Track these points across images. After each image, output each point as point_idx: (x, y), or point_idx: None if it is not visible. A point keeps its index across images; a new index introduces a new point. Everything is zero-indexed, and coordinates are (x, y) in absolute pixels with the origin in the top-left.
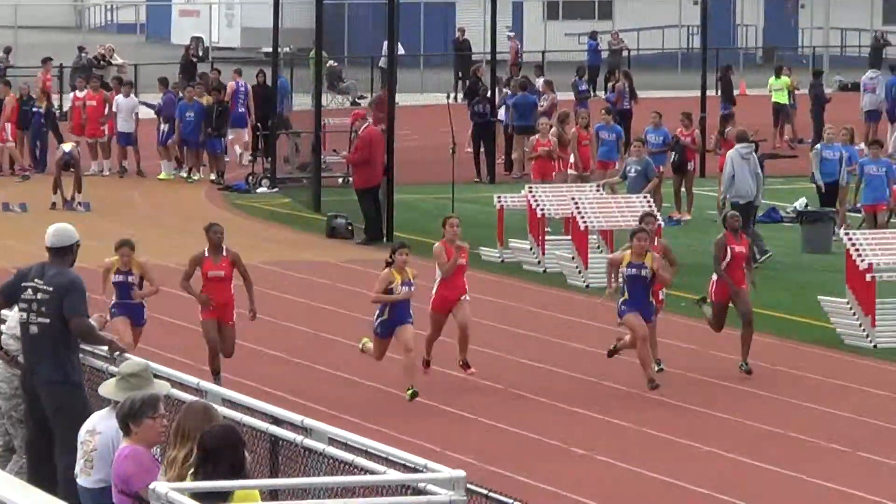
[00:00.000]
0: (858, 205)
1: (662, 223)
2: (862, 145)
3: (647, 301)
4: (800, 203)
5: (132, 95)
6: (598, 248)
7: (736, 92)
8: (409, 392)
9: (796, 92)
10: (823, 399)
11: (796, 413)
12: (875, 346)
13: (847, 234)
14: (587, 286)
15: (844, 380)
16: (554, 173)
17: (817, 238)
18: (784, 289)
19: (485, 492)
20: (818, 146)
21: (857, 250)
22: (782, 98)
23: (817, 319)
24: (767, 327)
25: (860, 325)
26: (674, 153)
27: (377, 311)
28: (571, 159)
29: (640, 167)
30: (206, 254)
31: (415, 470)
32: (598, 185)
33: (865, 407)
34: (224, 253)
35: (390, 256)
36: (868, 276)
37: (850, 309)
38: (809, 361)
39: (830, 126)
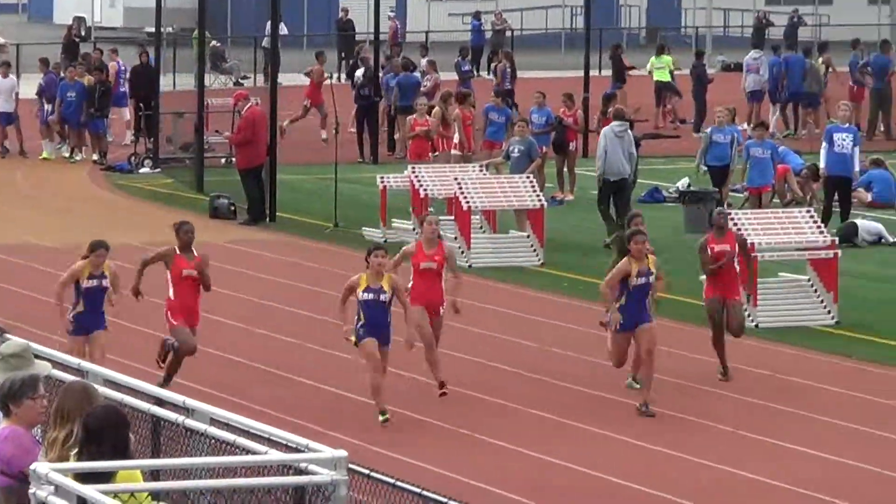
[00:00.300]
0: (742, 185)
1: (546, 204)
2: (745, 125)
3: (645, 306)
4: (682, 183)
5: (11, 76)
6: (482, 228)
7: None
8: (382, 417)
9: (677, 72)
10: (705, 379)
11: (678, 393)
12: (757, 326)
13: (729, 214)
14: (470, 266)
15: (731, 360)
16: (435, 153)
17: (700, 218)
18: (667, 269)
19: (366, 471)
20: (708, 129)
21: (739, 230)
22: (664, 76)
23: (700, 299)
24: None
25: (742, 305)
26: (554, 133)
27: (355, 317)
28: (456, 139)
29: (523, 147)
30: (178, 252)
31: (296, 450)
32: (481, 166)
33: (747, 386)
34: (195, 253)
35: (366, 259)
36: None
37: None
38: (691, 341)
39: (721, 109)
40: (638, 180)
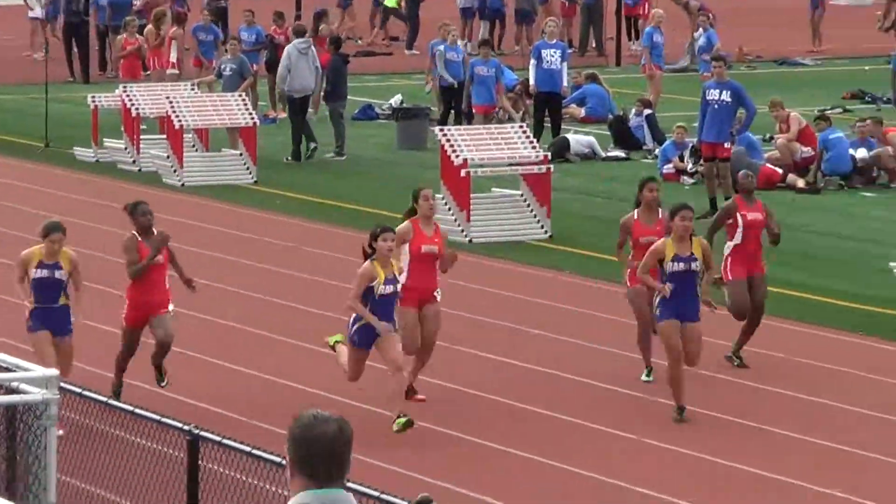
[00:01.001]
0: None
1: (258, 122)
2: (459, 43)
3: (695, 297)
4: (395, 100)
5: None
6: (194, 146)
7: None
8: (401, 421)
9: None
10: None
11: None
12: (470, 241)
13: (442, 129)
14: (182, 185)
15: (441, 275)
16: (147, 72)
17: (412, 134)
18: (381, 186)
19: (78, 390)
20: (441, 47)
21: (451, 146)
22: (391, 3)
23: None
24: (359, 223)
25: (455, 221)
26: (266, 51)
27: (353, 315)
28: (174, 58)
29: (235, 66)
30: (139, 238)
31: (8, 370)
32: (193, 84)
33: (460, 301)
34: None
35: (370, 244)
36: (463, 172)
37: (446, 204)
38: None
39: (453, 27)
40: (349, 97)
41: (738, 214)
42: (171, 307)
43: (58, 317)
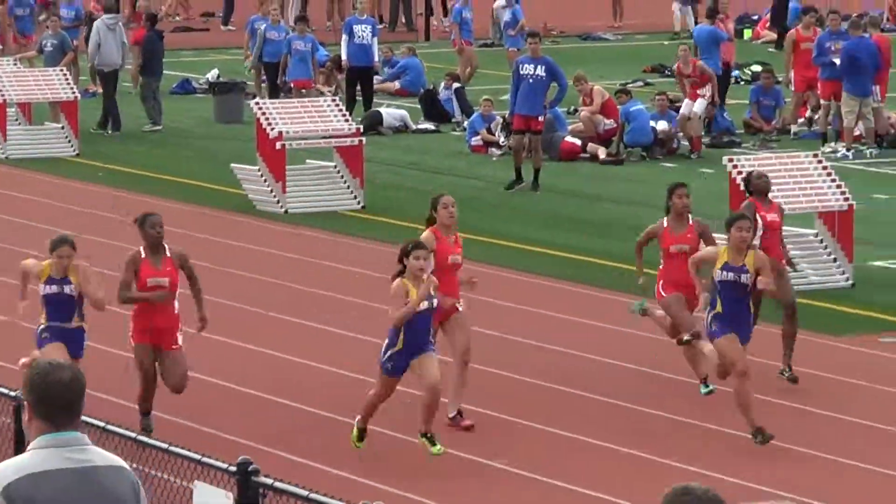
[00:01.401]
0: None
1: (79, 96)
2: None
3: (748, 316)
4: (212, 74)
5: None
6: (17, 120)
7: None
8: (430, 443)
9: None
10: (242, 264)
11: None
12: (286, 212)
13: (258, 103)
14: (6, 157)
15: (258, 244)
16: None
17: (229, 108)
18: (198, 158)
19: None
20: (263, 26)
21: (267, 119)
22: None
23: (231, 187)
24: (180, 195)
25: (271, 192)
26: (86, 27)
27: (387, 341)
28: None
29: (56, 41)
30: (143, 255)
31: None
32: (15, 59)
33: (278, 271)
34: (167, 253)
35: (401, 260)
36: (278, 144)
37: (262, 176)
38: (224, 228)
39: (275, 5)
40: (167, 71)
41: (759, 215)
42: (180, 339)
43: (72, 337)
